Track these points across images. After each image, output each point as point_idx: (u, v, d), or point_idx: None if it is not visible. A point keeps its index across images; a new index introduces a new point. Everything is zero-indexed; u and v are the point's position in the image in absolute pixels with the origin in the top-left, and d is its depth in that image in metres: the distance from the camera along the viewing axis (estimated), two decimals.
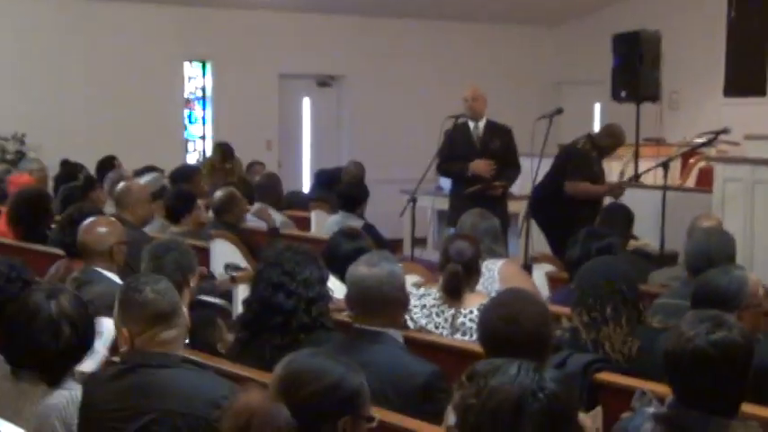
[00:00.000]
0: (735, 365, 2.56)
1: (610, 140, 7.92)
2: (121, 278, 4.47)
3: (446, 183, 10.60)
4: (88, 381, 3.06)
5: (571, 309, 3.82)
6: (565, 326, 3.80)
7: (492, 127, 7.68)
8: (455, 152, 7.59)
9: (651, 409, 2.70)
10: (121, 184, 6.26)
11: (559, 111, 7.63)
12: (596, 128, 12.86)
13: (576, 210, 7.40)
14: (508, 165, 7.57)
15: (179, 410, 2.82)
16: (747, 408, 2.77)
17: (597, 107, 13.62)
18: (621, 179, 8.29)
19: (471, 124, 7.61)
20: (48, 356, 3.02)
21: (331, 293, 3.87)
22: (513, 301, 3.05)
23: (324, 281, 3.77)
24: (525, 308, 3.00)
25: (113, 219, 4.83)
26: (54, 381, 3.03)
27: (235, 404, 2.15)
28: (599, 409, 3.28)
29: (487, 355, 3.01)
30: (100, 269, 4.41)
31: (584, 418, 2.94)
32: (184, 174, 8.72)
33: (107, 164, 9.00)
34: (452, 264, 4.24)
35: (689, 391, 2.59)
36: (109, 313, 4.19)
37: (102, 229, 4.49)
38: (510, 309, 3.00)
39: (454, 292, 4.26)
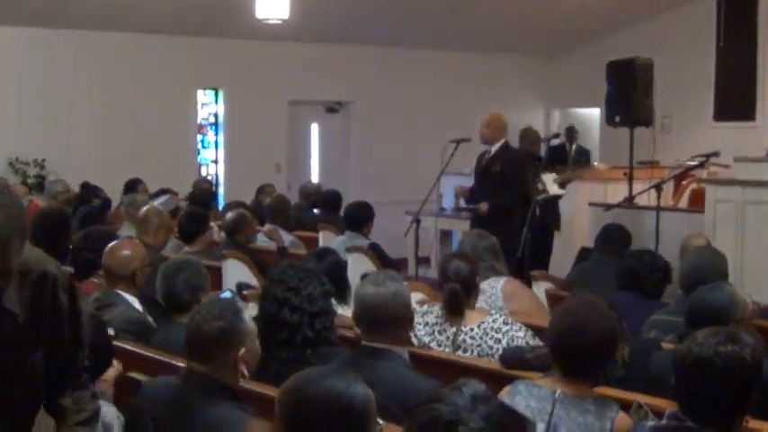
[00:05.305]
0: (736, 380, 2.50)
1: (524, 143, 8.73)
2: (141, 300, 4.45)
3: (449, 203, 10.60)
4: None
5: None
6: None
7: (501, 151, 7.80)
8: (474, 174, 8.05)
9: (650, 423, 2.66)
10: (144, 209, 6.20)
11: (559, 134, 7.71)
12: (595, 150, 12.90)
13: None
14: (507, 187, 7.61)
15: None
16: (754, 423, 2.71)
17: (593, 131, 13.62)
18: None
19: (489, 149, 7.86)
20: None
21: (336, 309, 3.83)
22: (584, 311, 3.03)
23: (327, 296, 3.73)
24: (594, 321, 2.98)
25: (137, 242, 4.76)
26: None
27: None
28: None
29: (554, 361, 3.04)
30: (121, 291, 4.35)
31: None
32: (201, 198, 8.75)
33: (133, 186, 8.96)
34: (451, 283, 4.21)
35: (688, 396, 2.55)
36: (123, 335, 4.19)
37: (127, 253, 4.41)
38: (580, 318, 2.99)
39: (455, 309, 4.23)
